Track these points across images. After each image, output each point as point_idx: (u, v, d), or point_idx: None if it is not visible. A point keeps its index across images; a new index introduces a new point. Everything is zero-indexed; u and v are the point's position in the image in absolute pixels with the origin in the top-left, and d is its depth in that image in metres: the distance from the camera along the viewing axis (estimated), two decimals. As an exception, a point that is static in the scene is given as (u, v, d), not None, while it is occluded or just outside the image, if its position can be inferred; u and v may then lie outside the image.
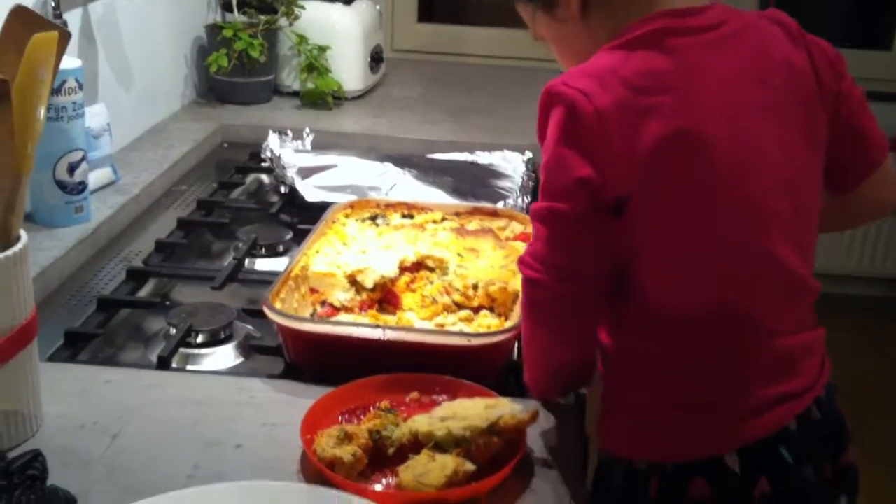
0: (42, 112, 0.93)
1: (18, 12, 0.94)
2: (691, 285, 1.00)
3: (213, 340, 1.27)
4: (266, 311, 1.15)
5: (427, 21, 3.96)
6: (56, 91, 1.43)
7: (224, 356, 1.26)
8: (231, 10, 2.27)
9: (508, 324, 1.20)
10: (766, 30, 1.05)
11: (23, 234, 0.94)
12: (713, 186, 0.97)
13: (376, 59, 2.40)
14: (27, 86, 0.88)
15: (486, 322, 1.26)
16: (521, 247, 1.38)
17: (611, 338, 1.05)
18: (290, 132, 1.90)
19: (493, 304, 1.29)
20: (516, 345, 1.19)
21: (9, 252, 0.90)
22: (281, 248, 1.57)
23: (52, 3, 1.51)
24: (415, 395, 1.07)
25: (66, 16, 1.57)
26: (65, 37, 0.96)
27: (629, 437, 1.06)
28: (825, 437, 1.06)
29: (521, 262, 1.01)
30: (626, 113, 0.93)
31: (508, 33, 3.87)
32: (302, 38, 2.25)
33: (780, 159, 1.01)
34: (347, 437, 0.95)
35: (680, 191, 0.96)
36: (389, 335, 1.11)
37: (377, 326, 1.14)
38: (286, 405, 1.06)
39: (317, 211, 1.60)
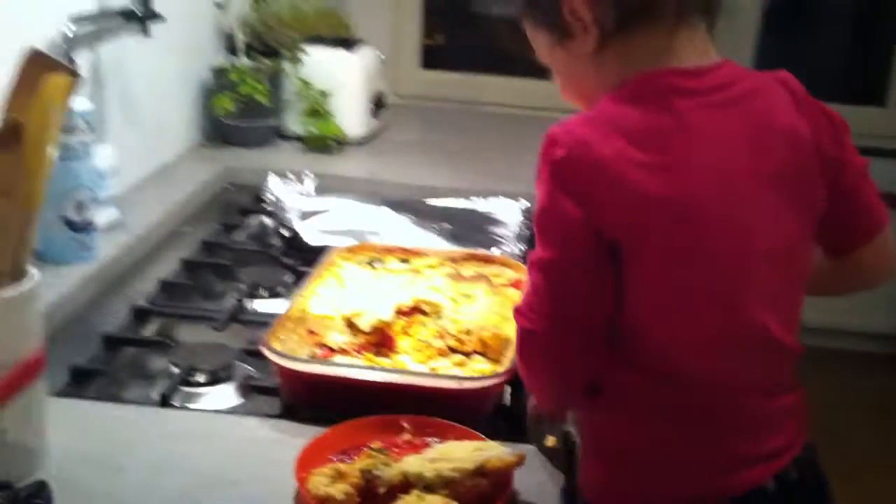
0: (53, 152, 0.97)
1: (34, 55, 0.99)
2: (674, 343, 1.02)
3: (214, 380, 1.31)
4: (264, 351, 1.19)
5: (430, 68, 4.03)
6: (65, 131, 1.48)
7: (224, 395, 1.29)
8: (236, 54, 2.34)
9: (500, 369, 1.24)
10: (773, 94, 1.06)
11: (34, 270, 0.98)
12: (698, 249, 0.99)
13: (378, 104, 2.46)
14: (40, 126, 0.93)
15: (479, 367, 1.30)
16: (514, 293, 1.43)
17: (592, 383, 1.07)
18: (291, 175, 1.95)
19: (485, 350, 1.33)
20: (507, 389, 1.23)
21: (21, 288, 0.94)
22: (281, 291, 1.61)
23: (65, 45, 1.57)
24: (407, 436, 1.11)
25: (76, 57, 1.63)
26: (76, 79, 1.00)
27: (606, 485, 1.09)
28: (803, 496, 1.08)
29: (517, 311, 1.03)
30: (622, 166, 0.95)
31: (513, 82, 3.95)
32: (305, 83, 2.31)
33: (771, 227, 1.02)
34: (340, 476, 0.98)
35: (666, 250, 0.98)
36: (384, 378, 1.15)
37: (372, 369, 1.18)
38: (282, 444, 1.10)
39: (317, 254, 1.65)
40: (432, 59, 4.06)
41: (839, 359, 3.68)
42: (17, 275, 0.95)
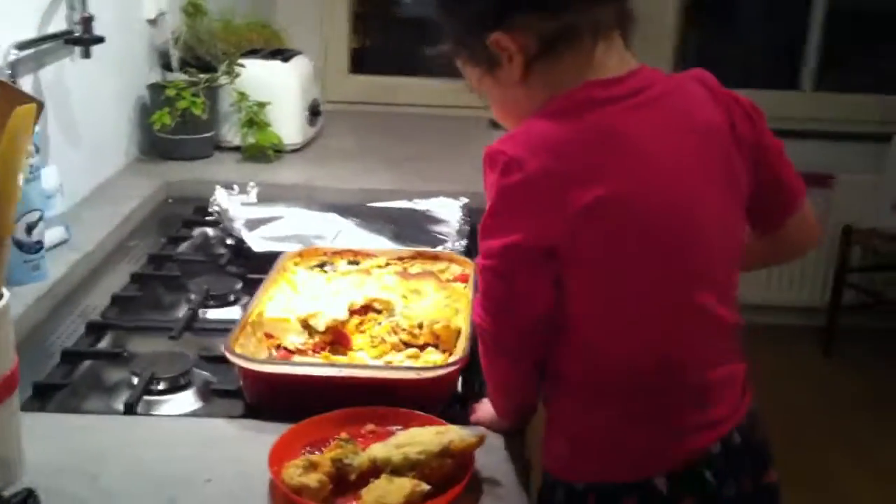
0: (21, 178, 1.01)
1: (-2, 86, 1.02)
2: (621, 330, 1.10)
3: (174, 387, 1.34)
4: (227, 355, 1.23)
5: (358, 73, 4.08)
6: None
7: (184, 401, 1.33)
8: (171, 70, 2.36)
9: (452, 358, 1.29)
10: (689, 91, 1.14)
11: (4, 290, 1.01)
12: (640, 242, 1.07)
13: (314, 112, 2.51)
14: (10, 154, 0.96)
15: (432, 358, 1.36)
16: (461, 287, 1.49)
17: (550, 370, 1.16)
18: (235, 186, 1.98)
19: (437, 342, 1.39)
20: (459, 378, 1.29)
21: (-3, 305, 0.97)
22: (231, 298, 1.65)
23: (9, 71, 1.59)
24: (370, 426, 1.16)
25: (20, 81, 1.65)
26: (40, 107, 1.04)
27: (568, 461, 1.17)
28: (747, 459, 1.16)
29: (473, 311, 1.13)
30: (552, 179, 1.03)
31: (439, 83, 4.00)
32: (242, 95, 2.35)
33: (704, 213, 1.11)
34: (313, 466, 1.04)
35: (607, 246, 1.06)
36: (345, 372, 1.20)
37: (334, 366, 1.23)
38: (250, 441, 1.15)
39: (264, 261, 1.69)
40: (359, 63, 4.12)
41: (772, 333, 3.83)
42: (-6, 294, 0.99)
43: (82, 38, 1.81)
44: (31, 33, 1.77)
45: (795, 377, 3.78)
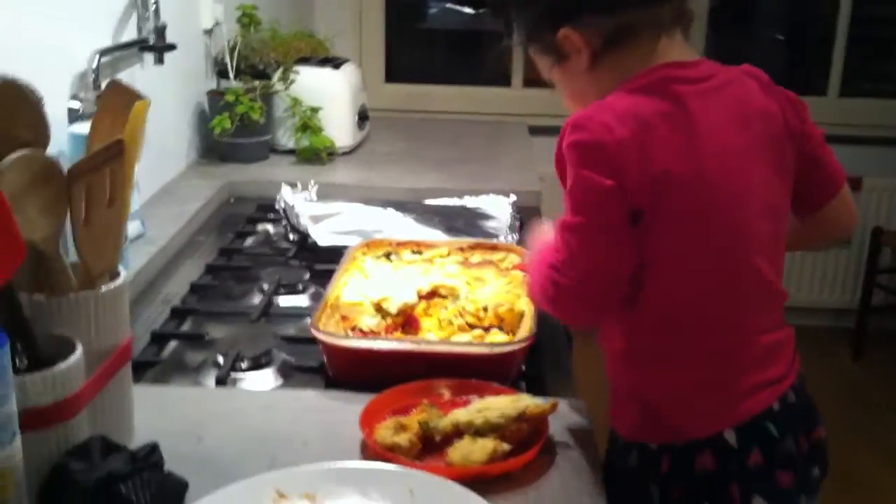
0: (137, 167, 1.12)
1: (114, 85, 1.13)
2: (692, 293, 1.20)
3: (256, 365, 1.44)
4: (314, 332, 1.33)
5: (393, 81, 4.21)
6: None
7: (266, 379, 1.43)
8: (227, 78, 2.48)
9: (519, 336, 1.39)
10: (745, 83, 1.26)
11: (123, 269, 1.12)
12: (709, 212, 1.18)
13: (363, 116, 2.61)
14: (131, 144, 1.07)
15: (498, 338, 1.45)
16: (520, 275, 1.58)
17: (620, 338, 1.26)
18: (298, 184, 2.09)
19: (501, 324, 1.49)
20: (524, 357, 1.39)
21: (118, 281, 1.08)
22: (300, 287, 1.75)
23: (93, 76, 1.71)
24: (448, 396, 1.26)
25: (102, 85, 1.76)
26: (149, 104, 1.15)
27: (641, 424, 1.27)
28: (801, 415, 1.27)
29: (553, 268, 1.19)
30: (640, 145, 1.13)
31: (466, 90, 4.15)
32: (296, 101, 2.46)
33: (760, 190, 1.22)
34: (402, 428, 1.13)
35: (682, 213, 1.16)
36: (424, 347, 1.30)
37: (413, 341, 1.33)
38: (338, 409, 1.25)
39: (327, 254, 1.81)
40: (390, 73, 4.24)
41: (802, 334, 3.89)
42: (114, 273, 1.09)
43: (156, 46, 1.92)
44: (106, 41, 1.88)
45: (825, 378, 3.84)
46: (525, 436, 1.15)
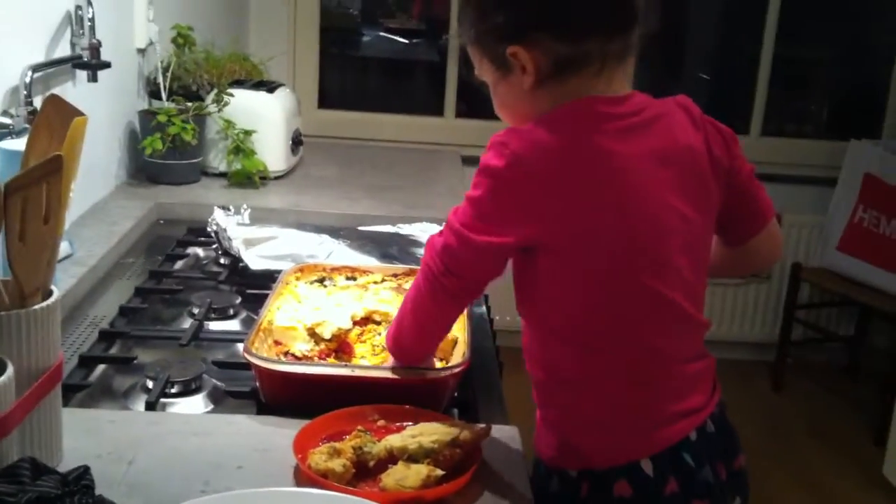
0: (73, 185, 1.10)
1: (53, 100, 1.12)
2: (611, 322, 1.22)
3: (187, 390, 1.43)
4: (247, 356, 1.32)
5: (325, 107, 4.22)
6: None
7: (197, 404, 1.42)
8: (160, 98, 2.46)
9: (453, 362, 1.40)
10: (675, 117, 1.26)
11: (54, 288, 1.10)
12: (628, 250, 1.19)
13: (296, 141, 2.61)
14: (69, 161, 1.06)
15: (431, 365, 1.46)
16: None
17: (541, 365, 1.28)
18: (231, 207, 2.08)
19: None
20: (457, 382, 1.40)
21: (49, 301, 1.06)
22: (231, 312, 1.74)
23: (25, 91, 1.68)
24: (381, 422, 1.26)
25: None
26: (87, 121, 1.14)
27: (561, 451, 1.28)
28: (719, 445, 1.30)
29: (430, 248, 1.27)
30: (555, 179, 1.15)
31: (399, 118, 4.18)
32: (229, 123, 2.45)
33: (681, 227, 1.23)
34: (336, 453, 1.13)
35: (592, 249, 1.18)
36: (359, 372, 1.30)
37: (347, 366, 1.33)
38: (271, 434, 1.24)
39: (259, 278, 1.80)
40: (321, 99, 4.26)
41: (724, 367, 3.97)
42: (46, 292, 1.08)
43: (90, 63, 1.90)
44: (39, 56, 1.86)
45: (747, 409, 3.93)
46: (458, 461, 1.16)
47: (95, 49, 1.91)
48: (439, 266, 1.24)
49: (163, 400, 1.39)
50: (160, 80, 2.45)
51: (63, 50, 1.95)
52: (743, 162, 1.33)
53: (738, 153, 1.32)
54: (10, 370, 0.96)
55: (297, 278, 1.66)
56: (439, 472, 1.12)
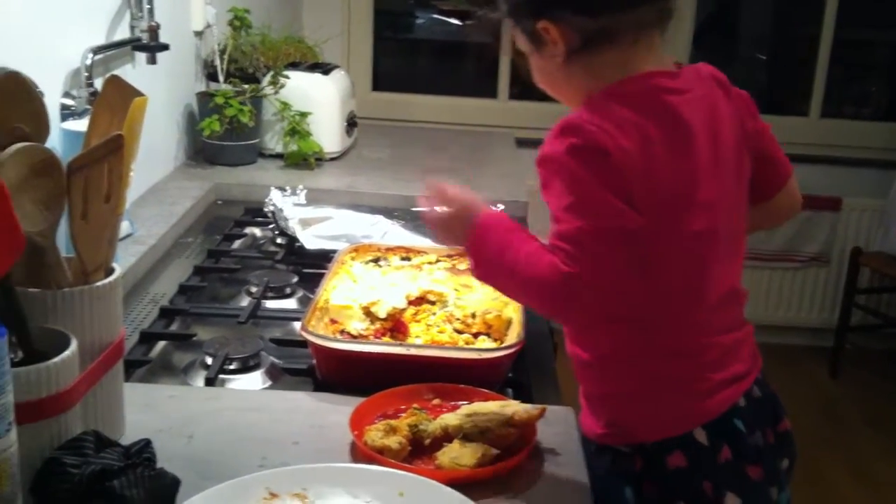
0: (133, 165, 1.12)
1: (113, 81, 1.13)
2: (657, 297, 1.21)
3: (245, 367, 1.45)
4: (304, 334, 1.34)
5: (378, 90, 4.23)
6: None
7: (255, 380, 1.44)
8: (217, 80, 2.48)
9: (508, 342, 1.40)
10: (714, 89, 1.28)
11: (116, 266, 1.12)
12: (684, 222, 1.20)
13: (351, 123, 2.62)
14: (129, 140, 1.07)
15: (485, 345, 1.46)
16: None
17: (583, 346, 1.29)
18: (287, 188, 2.10)
19: (489, 331, 1.49)
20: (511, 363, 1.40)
21: (111, 278, 1.08)
22: (288, 291, 1.76)
23: (86, 73, 1.71)
24: (436, 400, 1.26)
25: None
26: (147, 101, 1.15)
27: (611, 429, 1.29)
28: (766, 409, 1.31)
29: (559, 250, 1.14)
30: (644, 159, 1.14)
31: (452, 100, 4.18)
32: (285, 105, 2.46)
33: (726, 196, 1.26)
34: (392, 430, 1.14)
35: (675, 219, 1.19)
36: (414, 351, 1.31)
37: (403, 345, 1.34)
38: (328, 411, 1.25)
39: (315, 258, 1.81)
40: (378, 81, 4.27)
41: (781, 352, 3.94)
42: (108, 269, 1.10)
43: (149, 45, 1.92)
44: (100, 39, 1.88)
45: (802, 395, 3.88)
46: (513, 441, 1.16)
47: (154, 31, 1.93)
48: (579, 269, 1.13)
49: (221, 376, 1.41)
50: (217, 62, 2.47)
51: (123, 32, 1.98)
52: (763, 123, 1.35)
53: (757, 115, 1.34)
54: (73, 345, 0.98)
55: (353, 258, 1.67)
56: (494, 451, 1.12)
